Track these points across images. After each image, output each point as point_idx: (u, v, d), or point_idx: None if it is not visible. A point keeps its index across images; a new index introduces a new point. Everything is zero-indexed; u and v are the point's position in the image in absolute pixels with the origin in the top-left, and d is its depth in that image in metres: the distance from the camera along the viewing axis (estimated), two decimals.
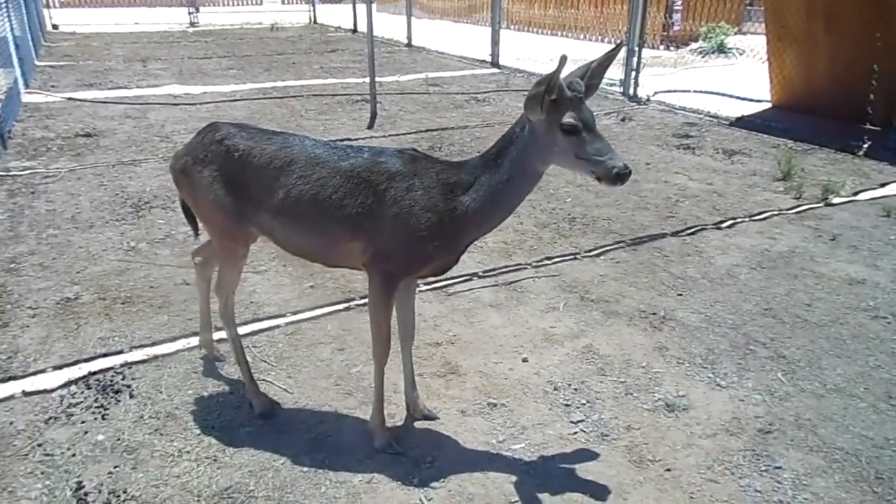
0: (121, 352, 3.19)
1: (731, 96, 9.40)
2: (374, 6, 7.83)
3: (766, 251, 4.43)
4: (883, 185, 5.75)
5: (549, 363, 3.18)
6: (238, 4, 25.97)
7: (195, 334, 3.27)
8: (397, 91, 9.78)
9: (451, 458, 2.55)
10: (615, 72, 8.95)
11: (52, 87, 9.56)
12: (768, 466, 2.52)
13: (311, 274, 4.01)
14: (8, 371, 3.02)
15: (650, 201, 5.35)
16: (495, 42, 12.36)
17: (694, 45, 14.34)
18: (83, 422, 2.70)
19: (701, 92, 9.67)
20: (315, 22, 20.80)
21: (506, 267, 4.18)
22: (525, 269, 4.18)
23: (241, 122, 3.31)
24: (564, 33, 17.78)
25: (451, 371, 3.10)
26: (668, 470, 2.50)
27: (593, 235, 4.70)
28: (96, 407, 2.79)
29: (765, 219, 5.00)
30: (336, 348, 3.27)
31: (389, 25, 17.27)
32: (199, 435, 2.64)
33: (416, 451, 2.57)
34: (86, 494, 2.33)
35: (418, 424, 2.74)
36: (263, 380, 2.97)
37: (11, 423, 2.68)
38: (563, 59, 1.95)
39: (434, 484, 2.41)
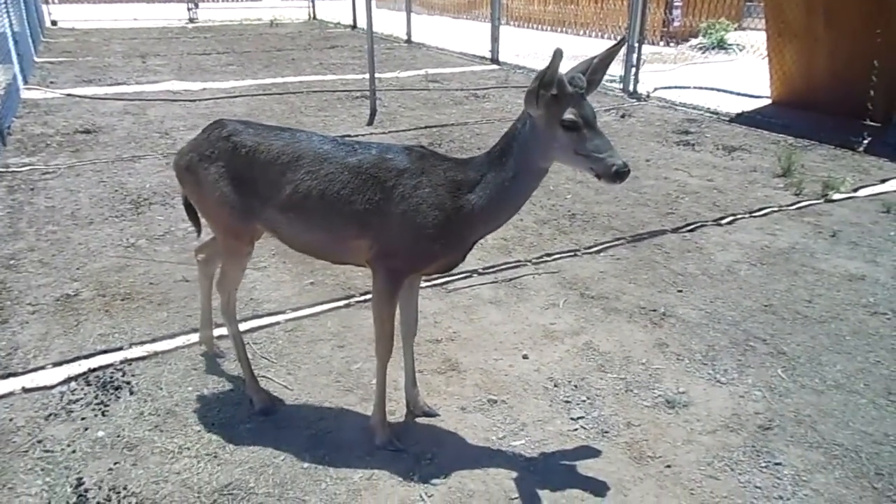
0: (120, 348, 3.19)
1: (730, 92, 9.39)
2: (373, 2, 7.81)
3: (766, 247, 4.43)
4: (883, 182, 5.74)
5: (549, 360, 3.18)
6: (237, 0, 25.89)
7: (195, 331, 3.27)
8: (397, 87, 9.76)
9: (451, 455, 2.55)
10: (615, 68, 8.93)
11: (52, 83, 9.54)
12: (768, 463, 2.52)
13: (311, 270, 4.00)
14: (8, 368, 3.01)
15: (650, 198, 5.35)
16: (495, 38, 12.33)
17: (694, 41, 14.33)
18: (83, 418, 2.70)
19: (701, 88, 9.67)
20: (314, 18, 20.77)
21: (506, 264, 4.18)
22: (525, 265, 4.18)
23: (241, 118, 3.32)
24: (564, 29, 17.76)
25: (452, 368, 3.10)
26: (669, 466, 2.51)
27: (593, 232, 4.70)
28: (96, 403, 2.79)
29: (765, 215, 5.00)
30: (336, 345, 3.27)
31: (389, 21, 17.24)
32: (199, 431, 2.64)
33: (416, 448, 2.57)
34: (86, 491, 2.33)
35: (419, 421, 2.74)
36: (263, 376, 2.97)
37: (11, 420, 2.68)
38: (558, 53, 1.95)
39: (434, 480, 2.41)
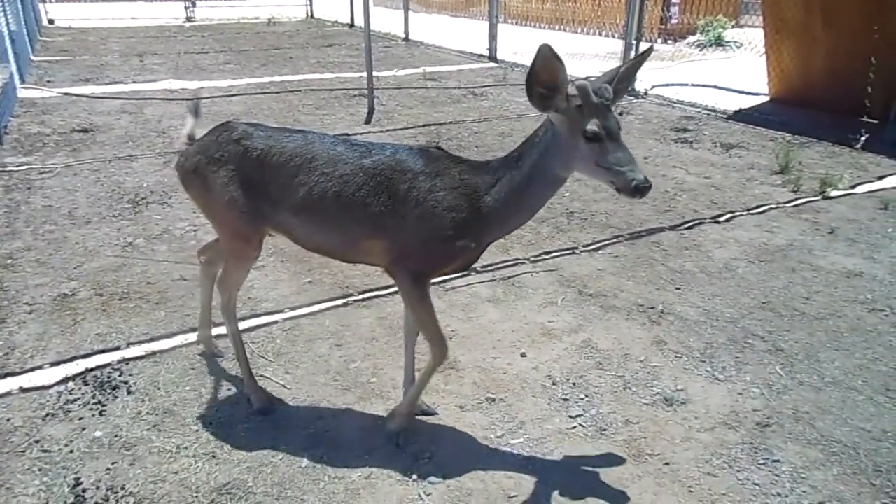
0: (118, 348, 3.18)
1: (728, 90, 9.39)
2: (370, 0, 7.80)
3: (764, 245, 4.43)
4: (880, 178, 5.75)
5: (547, 358, 3.18)
6: None
7: (193, 330, 3.27)
8: (395, 86, 9.74)
9: (449, 454, 2.54)
10: (612, 65, 8.92)
11: (49, 82, 9.52)
12: (766, 460, 2.52)
13: (309, 270, 4.00)
14: (5, 367, 3.01)
15: (648, 195, 5.33)
16: (493, 36, 12.32)
17: (692, 39, 14.33)
18: (81, 418, 2.70)
19: (699, 85, 9.66)
20: (312, 16, 20.75)
21: (504, 262, 4.18)
22: (523, 263, 4.17)
23: (237, 117, 3.32)
24: (562, 27, 17.75)
25: (450, 366, 3.10)
26: (667, 464, 2.51)
27: (591, 230, 4.70)
28: (94, 403, 2.78)
29: (762, 212, 5.00)
30: (334, 344, 3.26)
31: (387, 20, 17.21)
32: (197, 431, 2.64)
33: (414, 447, 2.57)
34: (83, 491, 2.32)
35: (417, 419, 2.74)
36: (261, 376, 2.97)
37: (9, 420, 2.67)
38: (543, 47, 1.96)
39: (432, 479, 2.41)
